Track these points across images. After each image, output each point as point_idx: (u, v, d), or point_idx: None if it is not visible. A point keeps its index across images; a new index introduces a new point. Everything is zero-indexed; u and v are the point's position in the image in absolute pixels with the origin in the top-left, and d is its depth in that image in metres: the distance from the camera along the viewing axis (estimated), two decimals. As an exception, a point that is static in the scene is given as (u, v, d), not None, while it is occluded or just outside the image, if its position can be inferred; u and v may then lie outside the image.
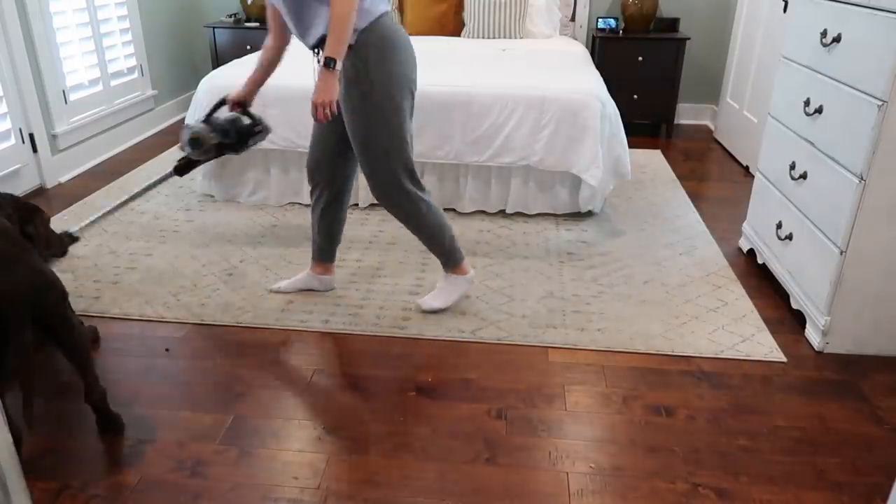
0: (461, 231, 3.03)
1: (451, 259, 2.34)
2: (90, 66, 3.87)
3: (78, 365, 1.73)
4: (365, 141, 2.10)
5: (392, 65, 2.03)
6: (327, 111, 1.96)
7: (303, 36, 2.07)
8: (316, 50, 2.09)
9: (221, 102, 2.39)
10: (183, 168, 2.48)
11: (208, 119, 2.39)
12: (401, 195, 2.18)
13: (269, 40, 2.28)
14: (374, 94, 2.03)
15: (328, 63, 1.92)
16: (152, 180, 2.76)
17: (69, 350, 1.70)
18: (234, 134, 2.36)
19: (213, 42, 4.61)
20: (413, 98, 2.13)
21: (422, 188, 2.22)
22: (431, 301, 2.39)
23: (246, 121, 2.38)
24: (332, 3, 1.89)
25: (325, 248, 2.45)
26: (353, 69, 2.02)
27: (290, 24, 2.08)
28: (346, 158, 2.28)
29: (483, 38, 4.29)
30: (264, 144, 3.11)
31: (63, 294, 1.69)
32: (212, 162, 3.16)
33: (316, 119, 1.99)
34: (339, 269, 2.68)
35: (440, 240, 2.29)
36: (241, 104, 2.37)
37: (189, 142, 2.34)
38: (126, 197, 2.80)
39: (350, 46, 1.98)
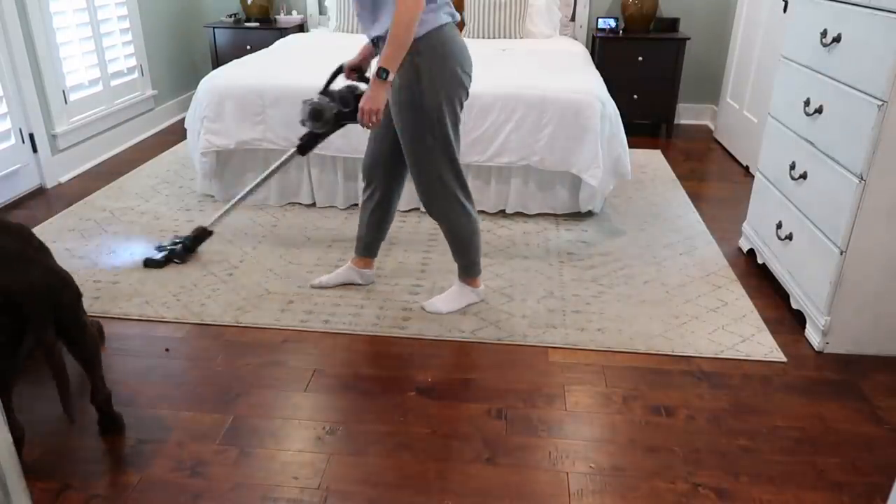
0: (461, 231, 3.04)
1: (470, 271, 2.41)
2: (90, 66, 3.87)
3: (87, 365, 1.73)
4: (412, 144, 2.15)
5: (442, 75, 2.06)
6: (373, 118, 2.04)
7: (369, 26, 2.11)
8: (377, 40, 2.14)
9: (338, 71, 2.39)
10: (306, 145, 2.52)
11: (326, 90, 2.39)
12: (446, 200, 2.23)
13: None
14: (422, 101, 2.07)
15: (380, 73, 1.98)
16: (274, 165, 2.70)
17: (80, 350, 1.70)
18: (352, 101, 2.34)
19: (213, 42, 4.61)
20: (462, 106, 2.17)
21: (469, 197, 2.27)
22: (437, 303, 2.42)
23: (363, 87, 2.35)
24: (398, 8, 1.92)
25: (370, 243, 2.49)
26: (405, 75, 2.06)
27: (358, 10, 2.10)
28: (401, 158, 2.32)
29: (483, 38, 4.29)
30: (264, 145, 3.12)
31: (78, 294, 1.69)
32: (212, 162, 3.19)
33: (362, 125, 2.07)
34: (340, 268, 2.68)
35: (468, 250, 2.35)
36: (357, 70, 2.37)
37: (310, 114, 2.36)
38: (249, 187, 2.75)
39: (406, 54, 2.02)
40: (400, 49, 1.96)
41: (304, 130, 2.54)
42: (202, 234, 2.76)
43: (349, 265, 2.55)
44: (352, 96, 2.35)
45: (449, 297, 2.43)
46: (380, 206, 2.41)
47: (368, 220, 2.45)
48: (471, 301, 2.44)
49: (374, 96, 2.01)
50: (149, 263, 2.69)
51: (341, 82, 2.41)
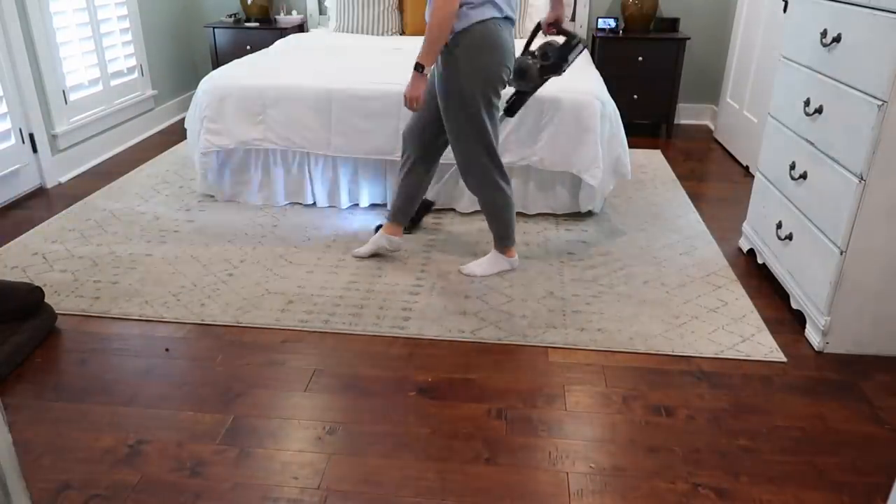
0: (461, 231, 3.04)
1: (503, 241, 2.63)
2: (90, 66, 3.87)
3: None
4: (451, 126, 2.41)
5: (479, 66, 2.28)
6: (413, 104, 2.34)
7: (426, 17, 2.30)
8: None
9: (537, 29, 2.52)
10: (512, 106, 2.63)
11: (526, 50, 2.53)
12: (481, 176, 2.47)
13: None
14: (459, 90, 2.31)
15: (416, 67, 2.26)
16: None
17: None
18: (552, 54, 2.46)
19: (213, 42, 4.61)
20: (499, 95, 2.38)
21: (504, 176, 2.50)
22: (472, 266, 2.65)
23: (560, 39, 2.47)
24: (432, 11, 2.18)
25: (401, 209, 2.68)
26: (446, 64, 2.31)
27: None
28: (436, 136, 2.55)
29: (483, 38, 4.28)
30: (264, 144, 3.12)
31: None
32: (213, 162, 3.19)
33: (408, 108, 2.38)
34: (339, 269, 2.68)
35: (499, 222, 2.57)
36: (554, 24, 2.51)
37: (515, 73, 2.47)
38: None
39: (447, 44, 2.26)
40: (432, 45, 2.22)
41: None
42: (427, 206, 3.04)
43: (380, 231, 2.73)
44: (550, 49, 2.46)
45: (485, 262, 2.65)
46: (411, 173, 2.61)
47: (400, 186, 2.65)
48: (503, 268, 2.65)
49: (412, 86, 2.30)
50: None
51: (540, 40, 2.57)
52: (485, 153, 2.42)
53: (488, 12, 2.23)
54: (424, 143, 2.56)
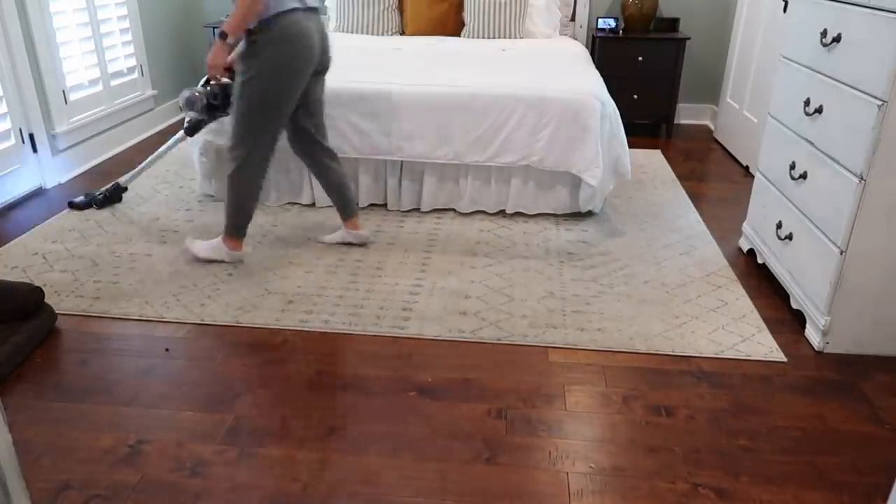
0: (461, 230, 3.03)
1: (236, 230, 2.64)
2: (90, 66, 3.87)
3: None
4: (238, 106, 2.47)
5: (275, 54, 2.37)
6: (214, 72, 2.45)
7: (230, 4, 2.40)
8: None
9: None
10: (192, 129, 2.94)
11: (207, 83, 2.74)
12: (238, 159, 2.50)
13: None
14: (251, 73, 2.39)
15: (220, 35, 2.35)
16: (168, 144, 3.10)
17: None
18: (221, 97, 2.69)
19: (212, 42, 4.60)
20: (293, 90, 2.45)
21: (263, 170, 2.55)
22: (198, 244, 2.70)
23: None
24: None
25: (339, 205, 2.82)
26: (246, 48, 2.39)
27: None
28: (310, 136, 2.68)
29: (483, 38, 4.29)
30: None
31: None
32: (212, 161, 3.19)
33: (210, 76, 2.51)
34: (339, 269, 2.68)
35: (239, 211, 2.59)
36: (230, 69, 2.60)
37: (185, 102, 2.72)
38: (144, 162, 3.20)
39: (251, 30, 2.34)
40: (237, 20, 2.28)
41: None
42: (118, 189, 3.26)
43: (342, 227, 2.86)
44: (222, 93, 2.69)
45: (208, 244, 2.68)
46: (320, 175, 2.75)
47: (323, 186, 2.80)
48: (221, 258, 2.68)
49: (214, 53, 2.39)
50: (71, 205, 3.21)
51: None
52: (256, 141, 2.47)
53: (290, 3, 2.32)
54: (300, 145, 2.69)
